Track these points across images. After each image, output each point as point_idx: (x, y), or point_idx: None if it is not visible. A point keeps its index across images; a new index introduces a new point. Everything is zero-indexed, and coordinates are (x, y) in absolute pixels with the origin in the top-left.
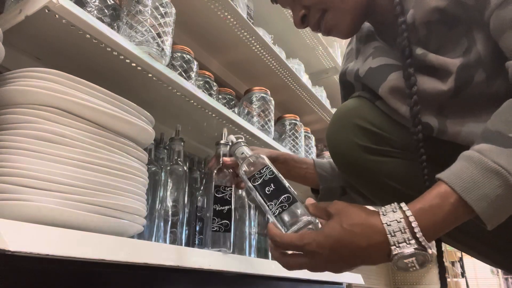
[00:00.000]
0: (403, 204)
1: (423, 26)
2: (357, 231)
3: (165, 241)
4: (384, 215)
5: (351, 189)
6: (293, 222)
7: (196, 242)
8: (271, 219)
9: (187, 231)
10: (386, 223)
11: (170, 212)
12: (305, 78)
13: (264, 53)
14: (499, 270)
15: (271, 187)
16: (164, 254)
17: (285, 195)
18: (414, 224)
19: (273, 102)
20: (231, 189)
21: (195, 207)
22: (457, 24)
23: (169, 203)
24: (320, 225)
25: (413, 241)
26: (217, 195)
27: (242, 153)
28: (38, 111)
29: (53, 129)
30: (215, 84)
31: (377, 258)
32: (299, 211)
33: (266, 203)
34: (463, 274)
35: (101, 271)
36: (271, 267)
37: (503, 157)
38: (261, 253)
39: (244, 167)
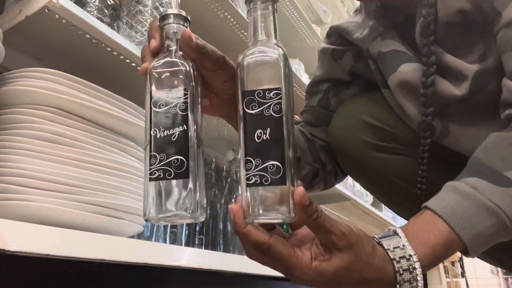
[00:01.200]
0: (409, 248)
1: (443, 26)
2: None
3: (165, 241)
4: (396, 261)
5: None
6: (265, 211)
7: (196, 242)
8: (241, 182)
9: (187, 231)
10: (398, 272)
11: None
12: (305, 78)
13: None
14: (499, 270)
15: (265, 133)
16: (164, 254)
17: (274, 162)
18: (417, 265)
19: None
20: (187, 96)
21: None
22: (475, 29)
23: None
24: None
25: (414, 284)
26: (156, 109)
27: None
28: (38, 111)
29: (53, 129)
30: None
31: None
32: (280, 197)
33: (244, 154)
34: (463, 274)
35: (101, 271)
36: None
37: (498, 195)
38: None
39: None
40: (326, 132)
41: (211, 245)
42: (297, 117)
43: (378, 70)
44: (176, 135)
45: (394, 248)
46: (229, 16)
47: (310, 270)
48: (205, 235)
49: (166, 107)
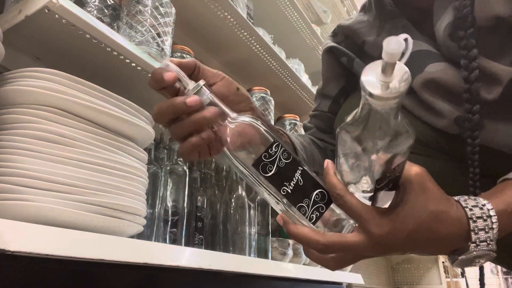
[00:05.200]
0: (487, 203)
1: (476, 28)
2: (442, 218)
3: (165, 241)
4: (469, 209)
5: None
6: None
7: (196, 242)
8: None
9: (187, 231)
10: (471, 219)
11: (170, 212)
12: (305, 78)
13: (264, 53)
14: (499, 270)
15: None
16: (164, 254)
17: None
18: (495, 225)
19: (273, 102)
20: (278, 143)
21: (195, 207)
22: (509, 34)
23: (169, 203)
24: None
25: (492, 243)
26: (268, 174)
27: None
28: (38, 111)
29: (53, 129)
30: None
31: (446, 251)
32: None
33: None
34: (463, 274)
35: (101, 271)
36: (271, 267)
37: None
38: (261, 253)
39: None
40: None
41: (211, 245)
42: (296, 117)
43: None
44: (300, 179)
45: (466, 199)
46: (229, 16)
47: (386, 220)
48: (205, 235)
49: (274, 166)
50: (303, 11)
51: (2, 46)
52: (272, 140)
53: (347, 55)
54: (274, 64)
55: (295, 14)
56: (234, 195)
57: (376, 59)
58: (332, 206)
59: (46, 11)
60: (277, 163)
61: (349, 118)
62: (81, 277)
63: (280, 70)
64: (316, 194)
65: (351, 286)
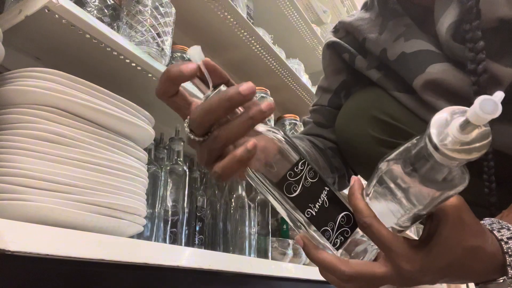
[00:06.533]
0: None
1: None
2: (477, 254)
3: (165, 241)
4: (504, 242)
5: None
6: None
7: (196, 242)
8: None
9: (187, 231)
10: (507, 253)
11: (170, 212)
12: (305, 78)
13: (264, 53)
14: None
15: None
16: (164, 254)
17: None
18: None
19: (273, 102)
20: (304, 160)
21: (195, 207)
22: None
23: (169, 203)
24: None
25: None
26: (293, 195)
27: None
28: (38, 111)
29: (53, 129)
30: None
31: (478, 282)
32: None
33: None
34: None
35: (101, 271)
36: (271, 267)
37: None
38: (261, 253)
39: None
40: None
41: (211, 245)
42: (296, 117)
43: (387, 77)
44: (326, 200)
45: (500, 228)
46: (229, 16)
47: (419, 256)
48: (205, 235)
49: (299, 186)
50: (303, 11)
51: (2, 46)
52: (298, 157)
53: (349, 51)
54: (274, 64)
55: (295, 14)
56: (234, 195)
57: (377, 57)
58: (356, 232)
59: (46, 11)
60: (302, 183)
61: (397, 153)
62: (81, 277)
63: (280, 70)
64: (342, 217)
65: None
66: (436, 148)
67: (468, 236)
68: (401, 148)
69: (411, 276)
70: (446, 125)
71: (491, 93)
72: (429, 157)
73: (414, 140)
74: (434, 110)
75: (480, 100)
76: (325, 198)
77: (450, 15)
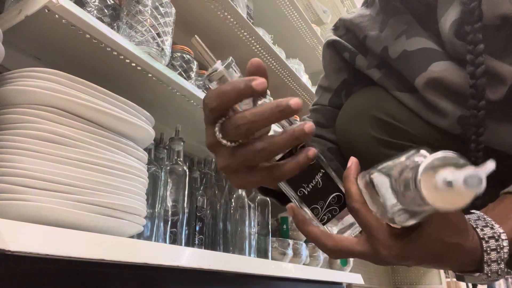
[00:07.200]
0: (500, 230)
1: (481, 26)
2: (455, 249)
3: (165, 241)
4: (485, 241)
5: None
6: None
7: (196, 242)
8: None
9: (187, 231)
10: (486, 251)
11: (170, 212)
12: (305, 78)
13: (264, 53)
14: None
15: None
16: (164, 254)
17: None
18: (506, 255)
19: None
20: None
21: (195, 207)
22: None
23: (169, 203)
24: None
25: (502, 269)
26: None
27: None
28: (38, 111)
29: (53, 129)
30: None
31: (454, 270)
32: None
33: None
34: None
35: (101, 271)
36: (271, 267)
37: None
38: (261, 253)
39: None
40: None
41: (211, 245)
42: (296, 117)
43: (387, 76)
44: (320, 181)
45: (483, 227)
46: (229, 16)
47: (397, 245)
48: (205, 235)
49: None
50: (303, 11)
51: (2, 46)
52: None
53: (349, 50)
54: (274, 64)
55: (295, 14)
56: (234, 195)
57: (378, 55)
58: (344, 211)
59: (46, 11)
60: None
61: (388, 167)
62: (81, 277)
63: (280, 70)
64: (333, 197)
65: (351, 286)
66: (422, 198)
67: (451, 232)
68: (391, 163)
69: (386, 260)
70: (434, 174)
71: (491, 93)
72: (415, 191)
73: (403, 159)
74: (436, 109)
75: (467, 172)
76: (319, 179)
77: (454, 12)
